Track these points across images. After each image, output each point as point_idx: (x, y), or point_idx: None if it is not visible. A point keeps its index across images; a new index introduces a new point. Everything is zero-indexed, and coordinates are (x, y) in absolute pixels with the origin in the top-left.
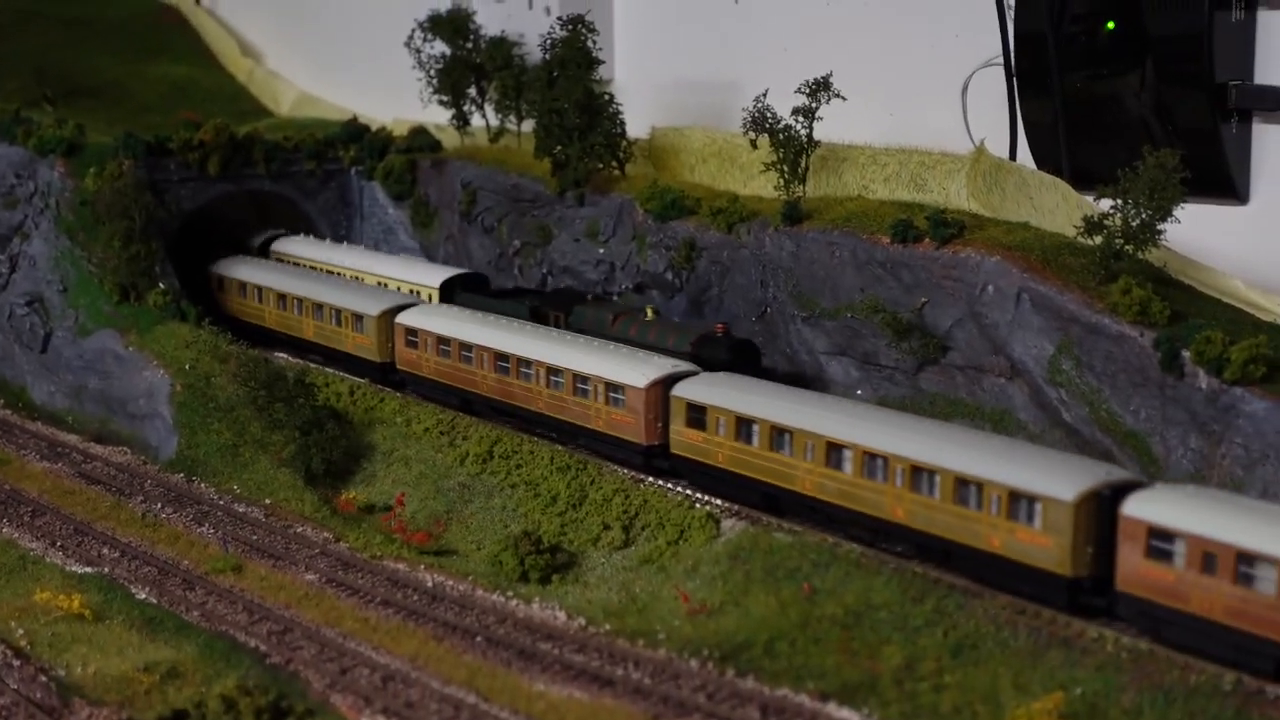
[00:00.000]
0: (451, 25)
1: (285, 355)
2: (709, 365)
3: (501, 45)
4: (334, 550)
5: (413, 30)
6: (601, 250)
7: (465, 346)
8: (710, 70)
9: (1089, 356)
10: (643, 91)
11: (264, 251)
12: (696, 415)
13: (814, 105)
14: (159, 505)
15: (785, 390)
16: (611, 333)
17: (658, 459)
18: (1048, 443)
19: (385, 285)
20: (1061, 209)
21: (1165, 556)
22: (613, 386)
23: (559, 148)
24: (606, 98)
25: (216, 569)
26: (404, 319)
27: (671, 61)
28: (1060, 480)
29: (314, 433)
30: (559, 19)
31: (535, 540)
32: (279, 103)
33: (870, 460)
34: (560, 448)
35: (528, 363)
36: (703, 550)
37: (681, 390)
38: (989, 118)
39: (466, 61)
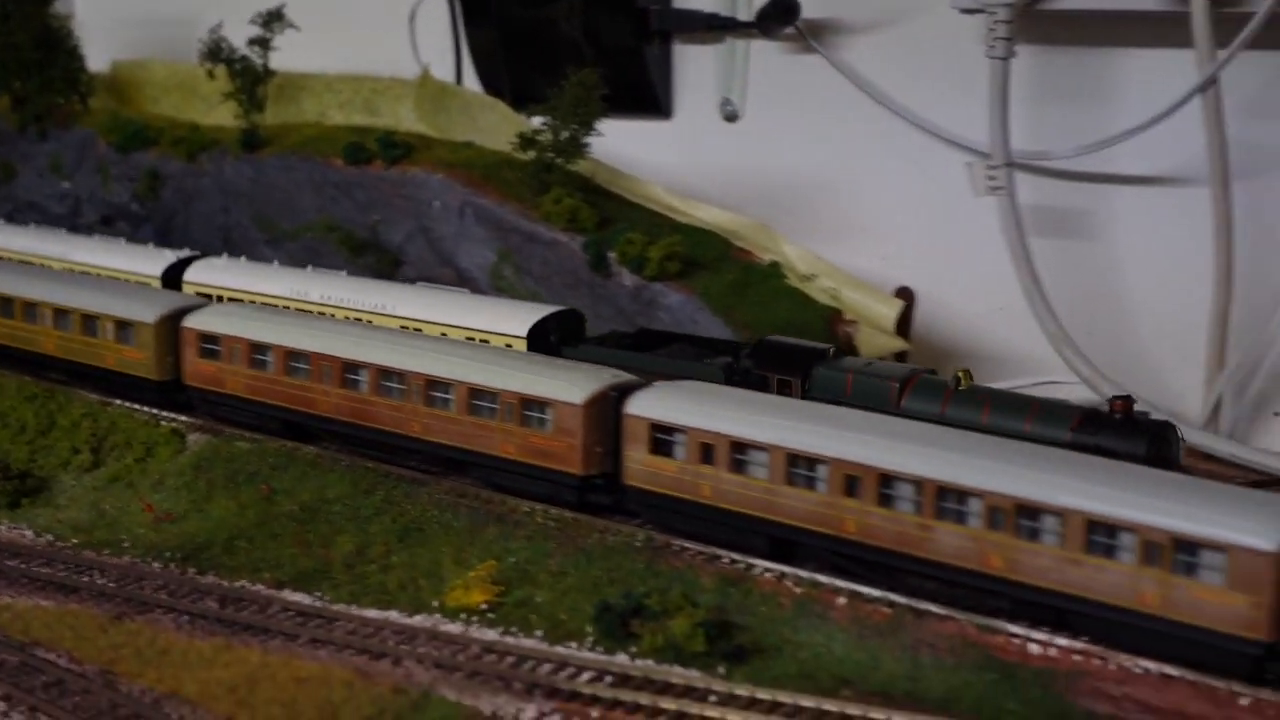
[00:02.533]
0: None
1: None
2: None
3: None
4: None
5: None
6: (66, 184)
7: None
8: (170, 4)
9: (527, 262)
10: (105, 26)
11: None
12: None
13: (269, 36)
14: None
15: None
16: (902, 410)
17: None
18: None
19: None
20: (501, 128)
21: (213, 355)
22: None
23: (17, 83)
24: (65, 32)
25: None
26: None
27: None
28: (146, 307)
29: None
30: None
31: (3, 468)
32: None
33: (28, 309)
34: (28, 378)
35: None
36: (169, 464)
37: None
38: (439, 44)
39: None
